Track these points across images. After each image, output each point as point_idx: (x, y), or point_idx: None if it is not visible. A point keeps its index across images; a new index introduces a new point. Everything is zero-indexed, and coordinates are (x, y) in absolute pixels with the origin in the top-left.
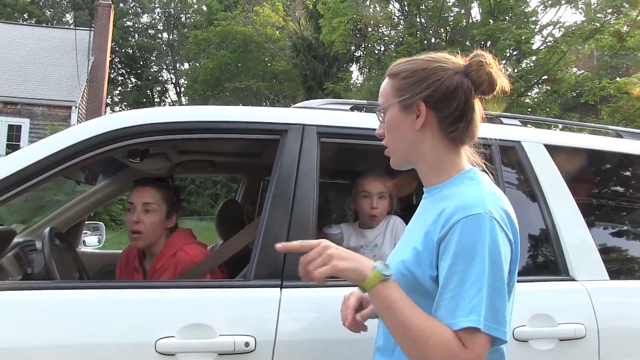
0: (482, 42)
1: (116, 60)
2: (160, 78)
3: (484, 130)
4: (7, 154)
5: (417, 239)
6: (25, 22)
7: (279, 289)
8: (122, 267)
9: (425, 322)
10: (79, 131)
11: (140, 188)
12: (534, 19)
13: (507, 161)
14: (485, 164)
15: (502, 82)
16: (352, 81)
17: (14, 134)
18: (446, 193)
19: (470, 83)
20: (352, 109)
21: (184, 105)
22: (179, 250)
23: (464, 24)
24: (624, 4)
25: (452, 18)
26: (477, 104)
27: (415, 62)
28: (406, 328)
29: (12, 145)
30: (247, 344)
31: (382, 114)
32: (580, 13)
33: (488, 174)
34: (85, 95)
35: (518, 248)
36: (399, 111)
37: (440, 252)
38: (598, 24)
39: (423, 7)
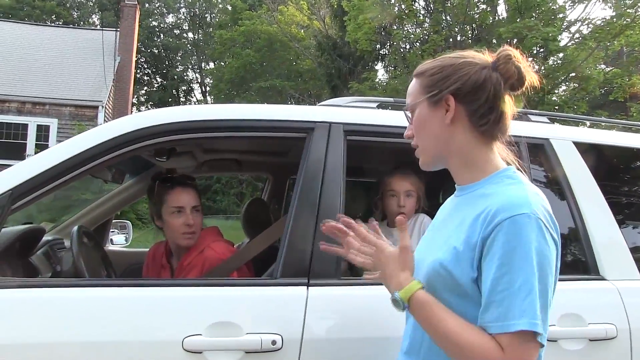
0: (509, 40)
1: (142, 60)
2: (185, 77)
3: (512, 127)
4: (36, 153)
5: (456, 238)
6: (53, 24)
7: (305, 287)
8: (150, 264)
9: (459, 327)
10: (105, 130)
11: (184, 190)
12: (561, 15)
13: (536, 159)
14: (518, 162)
15: (532, 77)
16: (377, 80)
17: (42, 134)
18: (485, 191)
19: (499, 77)
20: (378, 107)
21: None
22: (206, 247)
23: (490, 21)
24: None
25: (478, 15)
26: (508, 98)
27: (442, 60)
28: (442, 334)
29: (41, 145)
30: (274, 342)
31: (410, 114)
32: (610, 8)
33: (524, 173)
34: (111, 95)
35: (560, 247)
36: (428, 107)
37: (484, 251)
38: (629, 20)
39: (448, 4)
